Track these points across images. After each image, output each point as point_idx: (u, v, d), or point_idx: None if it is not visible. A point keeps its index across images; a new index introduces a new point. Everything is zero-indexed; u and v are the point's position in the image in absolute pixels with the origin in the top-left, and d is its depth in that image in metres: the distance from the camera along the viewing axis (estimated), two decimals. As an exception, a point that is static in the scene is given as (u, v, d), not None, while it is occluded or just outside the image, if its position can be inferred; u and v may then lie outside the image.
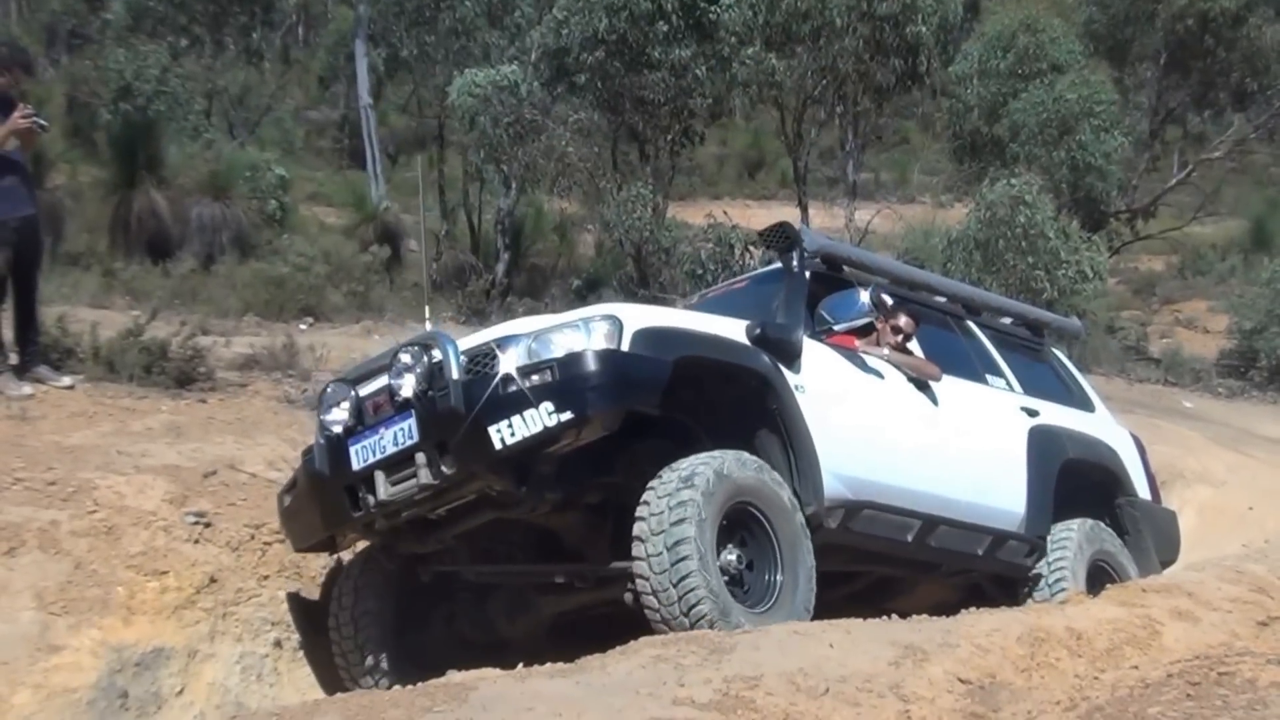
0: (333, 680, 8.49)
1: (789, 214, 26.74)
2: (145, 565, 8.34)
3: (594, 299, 21.65)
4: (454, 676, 6.60)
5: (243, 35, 31.65)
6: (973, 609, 7.88)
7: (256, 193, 23.08)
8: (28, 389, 10.53)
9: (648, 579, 7.22)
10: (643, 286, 20.93)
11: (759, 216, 28.96)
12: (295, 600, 8.92)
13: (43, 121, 10.96)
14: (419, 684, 6.46)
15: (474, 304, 21.26)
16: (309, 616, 8.86)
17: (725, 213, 21.58)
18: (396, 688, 6.59)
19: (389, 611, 8.46)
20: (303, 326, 17.04)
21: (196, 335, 12.15)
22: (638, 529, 7.30)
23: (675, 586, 7.14)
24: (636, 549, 7.28)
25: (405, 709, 5.75)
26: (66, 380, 10.91)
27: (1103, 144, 25.90)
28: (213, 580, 8.56)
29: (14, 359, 10.84)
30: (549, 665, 6.53)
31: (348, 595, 8.46)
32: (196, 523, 8.83)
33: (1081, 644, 7.08)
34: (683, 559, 7.13)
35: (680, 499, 7.23)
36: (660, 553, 7.17)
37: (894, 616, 7.63)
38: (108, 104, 26.39)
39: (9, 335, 10.89)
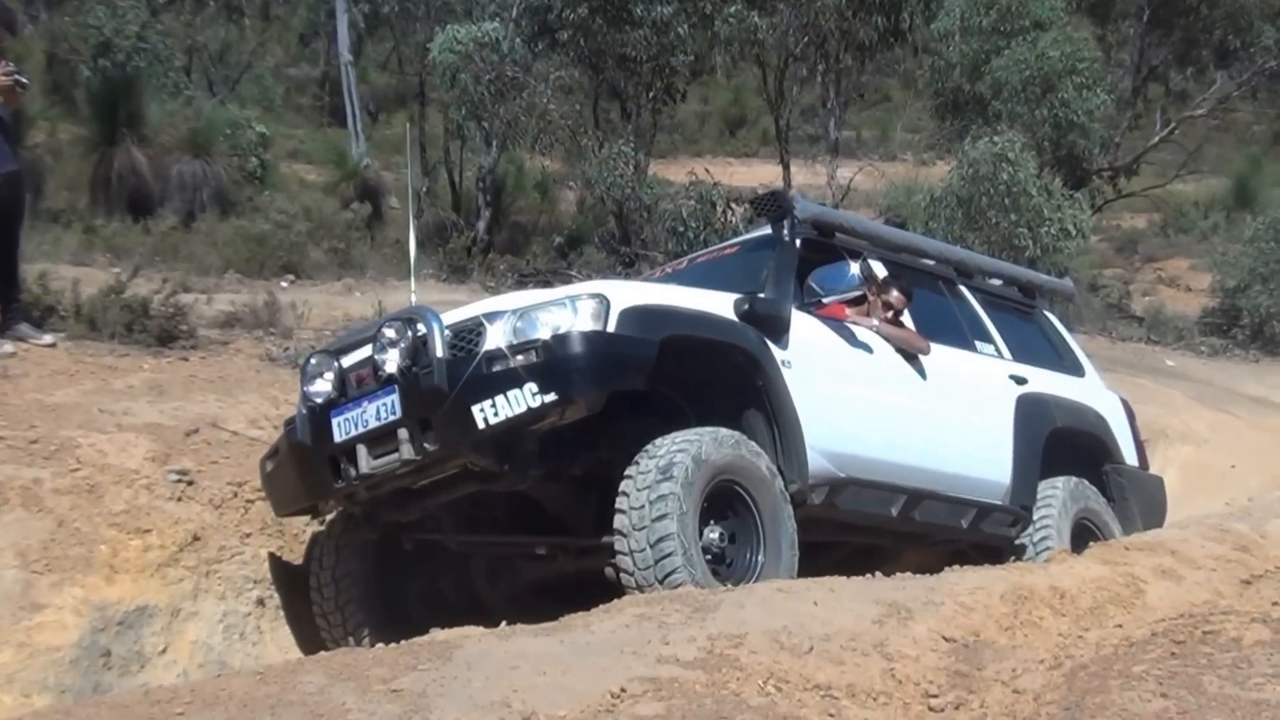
0: (314, 639, 8.48)
1: (771, 172, 26.81)
2: (128, 523, 8.32)
3: (575, 256, 21.67)
4: (438, 635, 6.59)
5: (222, -9, 31.52)
6: (956, 567, 7.90)
7: (237, 150, 23.03)
8: (9, 347, 10.48)
9: (629, 555, 7.22)
10: (624, 244, 20.92)
11: (741, 174, 29.01)
12: (276, 559, 8.91)
13: (24, 79, 10.88)
14: (402, 642, 6.43)
15: (455, 261, 21.21)
16: (290, 576, 8.86)
17: (707, 170, 21.55)
18: (379, 645, 6.54)
19: (370, 572, 8.47)
20: (284, 284, 17.01)
21: (178, 293, 12.12)
22: (620, 510, 7.29)
23: (656, 566, 7.14)
24: (619, 531, 7.28)
25: (389, 667, 5.74)
26: (48, 338, 10.86)
27: (1085, 101, 25.79)
28: (195, 538, 8.54)
29: (-5, 316, 10.79)
30: (533, 624, 6.52)
31: (329, 555, 8.46)
32: (179, 481, 8.80)
33: (1065, 602, 7.10)
34: (663, 535, 7.13)
35: (660, 492, 7.20)
36: (643, 536, 7.17)
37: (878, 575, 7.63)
38: (87, 61, 26.19)
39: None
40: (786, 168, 24.90)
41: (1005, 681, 6.05)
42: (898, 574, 7.61)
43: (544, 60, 22.51)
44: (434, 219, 24.31)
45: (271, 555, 8.88)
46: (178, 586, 8.34)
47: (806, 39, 23.87)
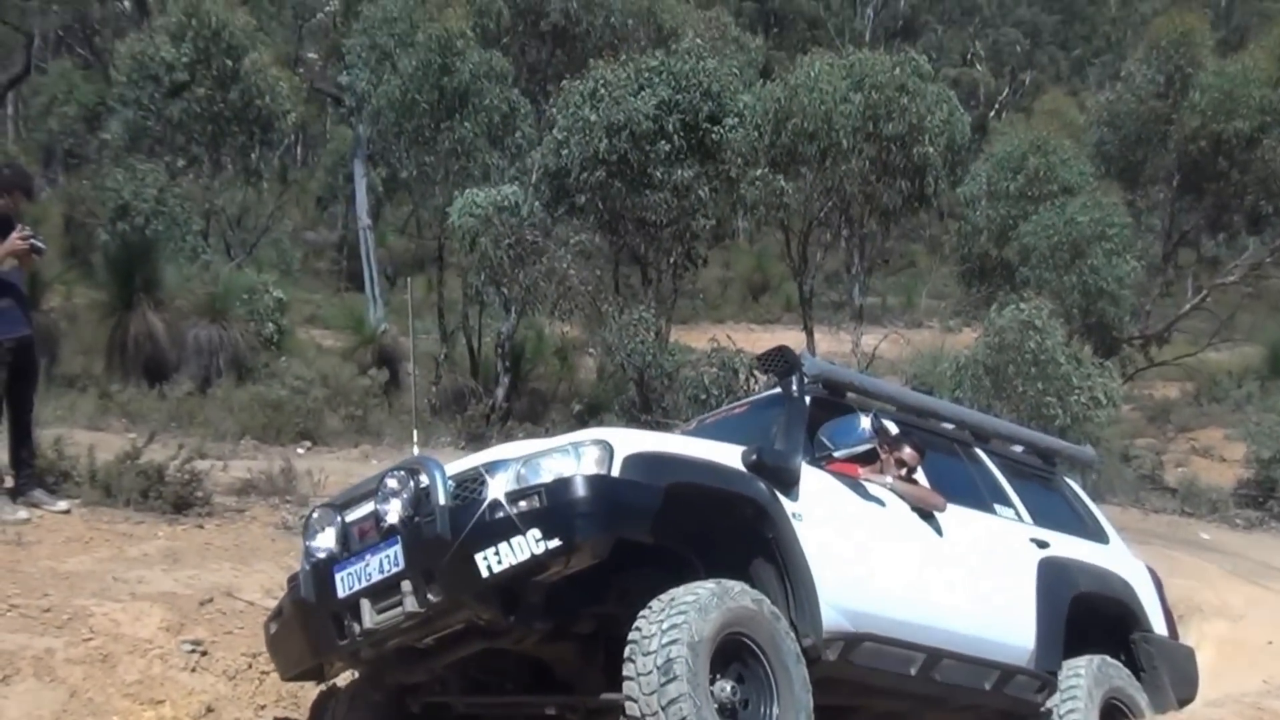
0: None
1: (794, 338, 26.92)
2: (141, 694, 8.37)
3: (596, 424, 21.73)
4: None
5: (241, 155, 31.96)
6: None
7: (254, 315, 23.29)
8: (23, 513, 10.59)
9: (639, 713, 7.11)
10: (645, 411, 21.02)
11: (763, 340, 29.12)
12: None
13: (40, 243, 11.03)
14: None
15: (473, 428, 21.35)
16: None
17: (729, 336, 21.73)
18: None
19: None
20: (300, 450, 17.14)
21: (193, 459, 12.21)
22: (628, 664, 7.21)
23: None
24: (628, 686, 7.19)
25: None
26: (62, 504, 10.98)
27: (1115, 268, 26.04)
28: (210, 710, 8.58)
29: (9, 482, 10.91)
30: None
31: (339, 712, 8.44)
32: (193, 651, 8.86)
33: (1099, 780, 7.07)
34: (675, 697, 7.03)
35: (670, 633, 7.15)
36: (653, 692, 7.07)
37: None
38: (105, 224, 26.65)
39: (3, 458, 10.96)
40: (810, 334, 25.10)
41: None
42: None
43: (563, 225, 22.85)
44: (452, 385, 24.51)
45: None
46: (191, 758, 8.38)
47: (831, 203, 24.22)
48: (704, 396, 19.70)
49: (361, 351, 25.50)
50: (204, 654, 8.90)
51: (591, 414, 23.12)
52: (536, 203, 22.41)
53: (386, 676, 8.15)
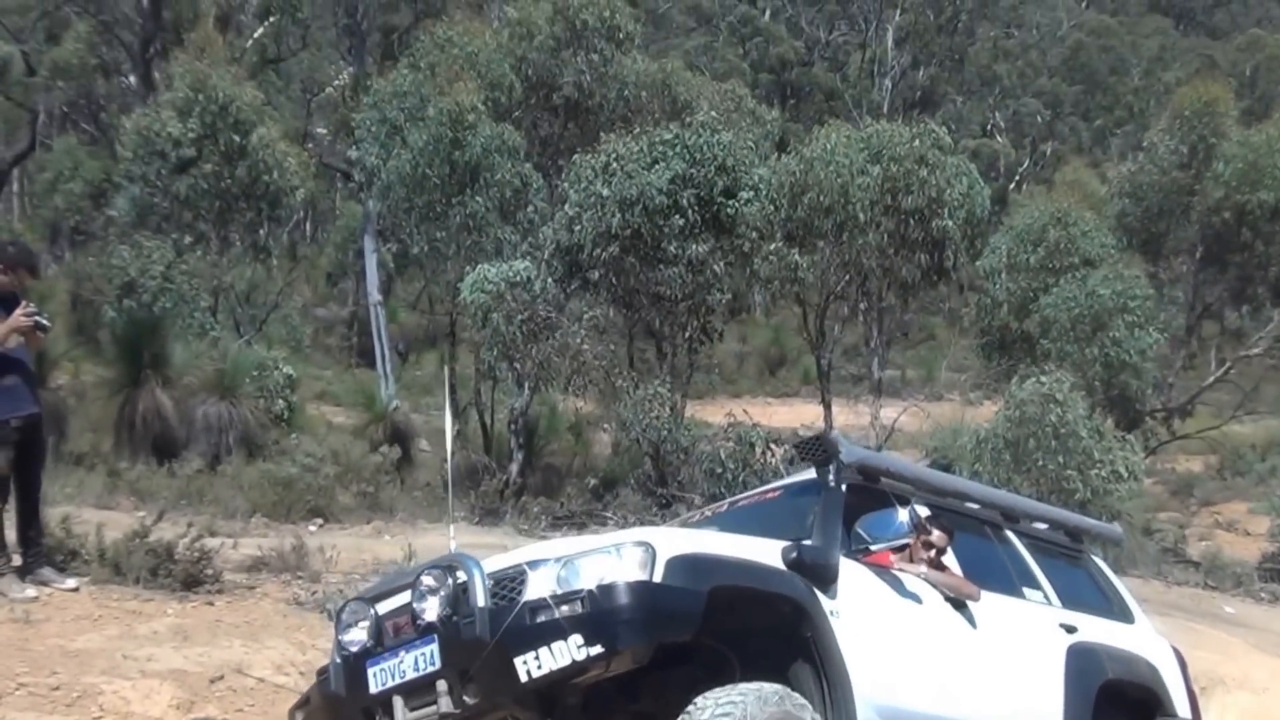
0: None
1: (812, 412, 27.04)
2: (152, 773, 8.42)
3: (610, 498, 21.83)
4: None
5: (249, 231, 32.16)
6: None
7: (264, 392, 23.37)
8: (31, 591, 10.68)
9: None
10: (661, 485, 21.09)
11: (781, 415, 29.34)
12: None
13: (45, 320, 11.13)
14: None
15: (487, 504, 21.39)
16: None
17: (746, 411, 21.82)
18: None
19: None
20: (312, 528, 17.21)
21: (203, 537, 12.28)
22: None
23: None
24: None
25: None
26: (71, 582, 11.07)
27: (1137, 340, 26.11)
28: (221, 789, 8.64)
29: (17, 560, 10.99)
30: None
31: None
32: (204, 729, 8.92)
33: None
34: None
35: None
36: None
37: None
38: (112, 301, 26.80)
39: (12, 536, 11.05)
40: (828, 408, 25.14)
41: None
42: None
43: (577, 299, 22.99)
44: (465, 461, 24.54)
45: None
46: (202, 840, 8.42)
47: (848, 277, 24.29)
48: (720, 471, 19.77)
49: (373, 428, 25.60)
50: (215, 732, 8.96)
51: (607, 488, 23.16)
52: (549, 278, 22.52)
53: None
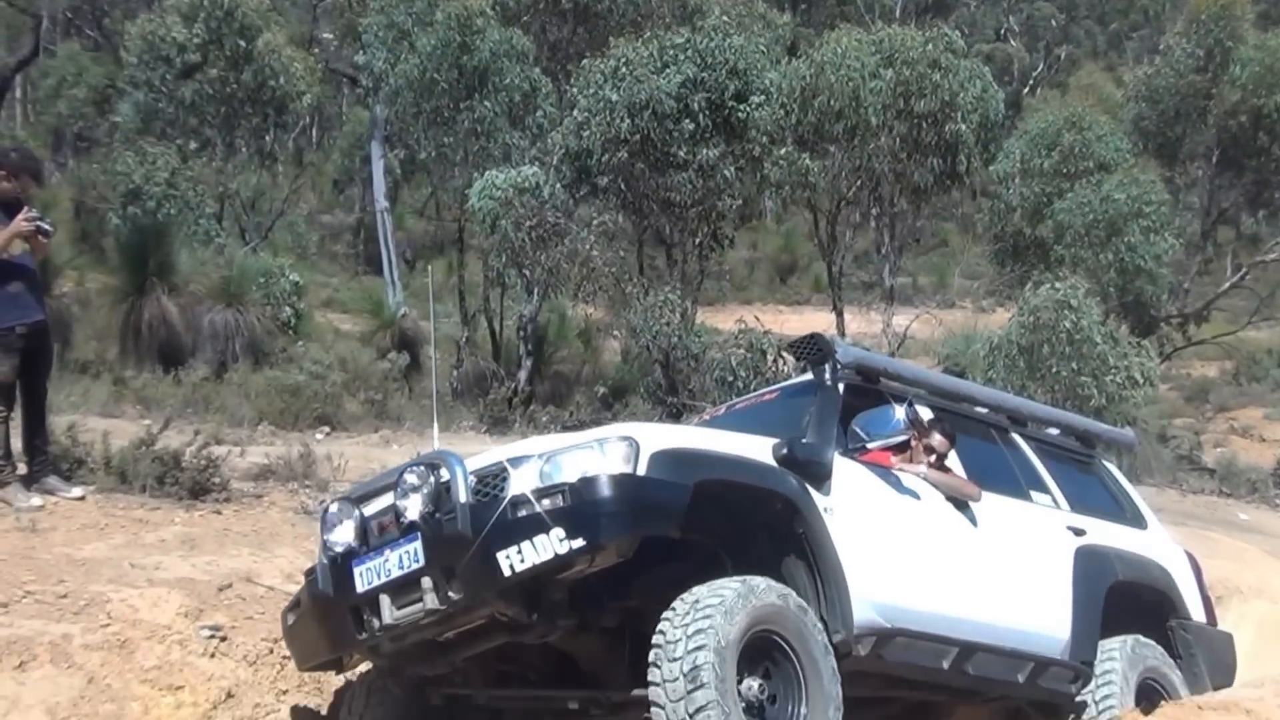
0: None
1: (823, 319, 26.97)
2: (160, 680, 8.41)
3: (620, 407, 21.78)
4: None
5: (255, 137, 32.02)
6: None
7: (270, 299, 23.35)
8: (37, 500, 10.64)
9: (664, 710, 7.12)
10: (671, 394, 21.03)
11: (791, 322, 29.24)
12: (307, 717, 8.94)
13: (47, 225, 11.01)
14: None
15: (496, 412, 21.38)
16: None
17: (757, 318, 21.70)
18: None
19: None
20: (319, 436, 17.19)
21: (210, 445, 12.23)
22: (654, 663, 7.22)
23: (692, 718, 7.05)
24: (653, 685, 7.20)
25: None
26: (77, 491, 11.04)
27: (1152, 246, 26.00)
28: (230, 695, 8.62)
29: (23, 469, 10.96)
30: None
31: (358, 703, 8.45)
32: (212, 636, 8.90)
33: (1136, 763, 7.07)
34: (702, 704, 7.04)
35: (696, 638, 7.15)
36: (678, 690, 7.08)
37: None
38: (116, 208, 26.73)
39: (18, 445, 11.02)
40: (840, 315, 25.07)
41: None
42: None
43: (586, 205, 22.87)
44: (474, 369, 24.57)
45: (307, 713, 8.93)
46: (211, 745, 8.42)
47: (860, 182, 24.16)
48: (731, 379, 19.67)
49: (380, 335, 25.60)
50: (223, 639, 8.94)
51: (616, 397, 23.15)
52: (558, 184, 22.40)
53: (406, 669, 8.19)
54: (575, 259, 21.72)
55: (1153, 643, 10.08)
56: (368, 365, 21.42)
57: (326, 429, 18.01)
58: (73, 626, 8.54)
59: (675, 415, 19.79)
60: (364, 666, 8.53)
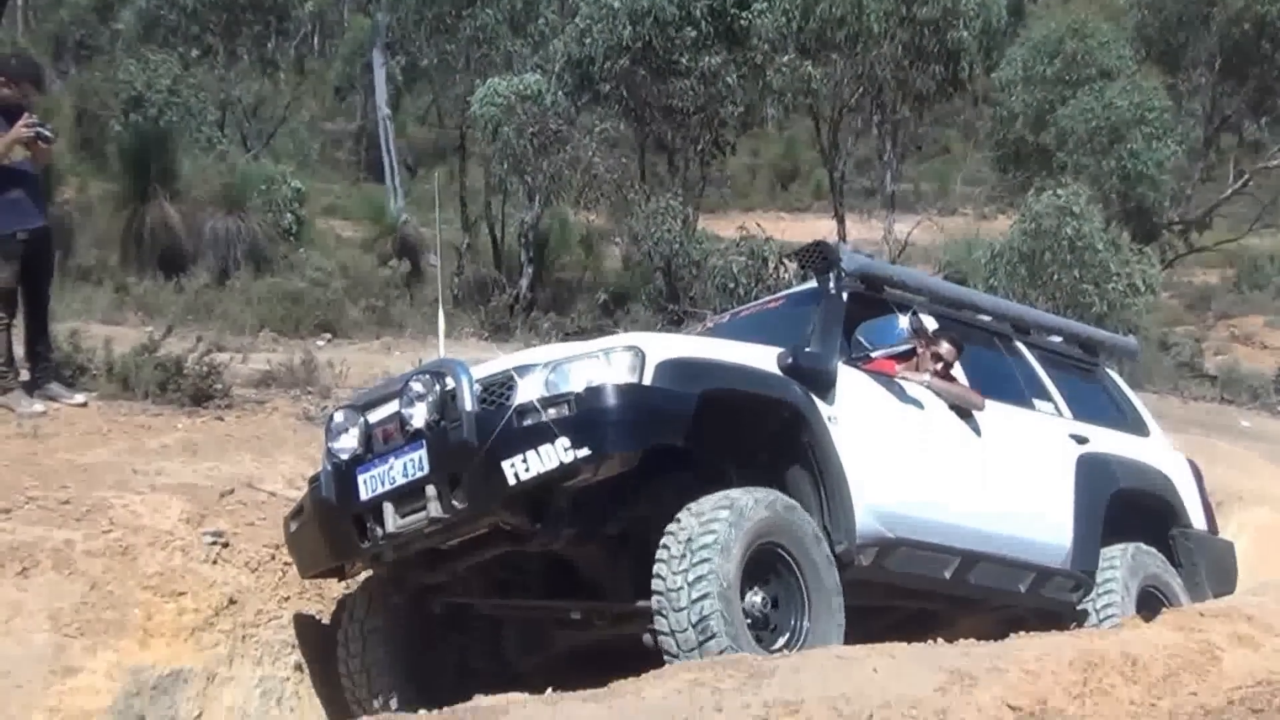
0: (343, 708, 8.46)
1: (825, 226, 26.86)
2: (162, 586, 8.36)
3: (621, 314, 21.72)
4: (482, 701, 6.57)
5: (257, 45, 31.83)
6: (1022, 633, 7.85)
7: (272, 206, 23.22)
8: (40, 406, 10.59)
9: (667, 619, 7.13)
10: (672, 301, 20.98)
11: (793, 229, 29.11)
12: (314, 624, 8.93)
13: (47, 132, 10.90)
14: (446, 709, 6.43)
15: (497, 319, 21.30)
16: (327, 641, 8.85)
17: (758, 225, 21.60)
18: (422, 712, 6.51)
19: (399, 633, 8.36)
20: (320, 342, 17.13)
21: (212, 351, 12.15)
22: (658, 574, 7.21)
23: (695, 629, 7.04)
24: (656, 597, 7.19)
25: (436, 733, 5.76)
26: (79, 397, 10.98)
27: (1155, 153, 25.86)
28: (232, 602, 8.58)
29: (25, 375, 10.91)
30: (581, 691, 6.51)
31: (359, 610, 8.41)
32: (214, 543, 8.85)
33: (1137, 670, 7.02)
34: (706, 614, 7.04)
35: (699, 556, 7.13)
36: (682, 602, 7.08)
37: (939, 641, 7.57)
38: (118, 115, 26.59)
39: (20, 351, 10.95)
40: (841, 221, 25.00)
41: (1074, 752, 6.02)
42: (960, 640, 7.56)
43: (588, 112, 22.72)
44: (475, 276, 24.46)
45: (309, 619, 8.92)
46: (213, 651, 8.36)
47: (862, 89, 24.05)
48: (732, 285, 19.64)
49: (382, 242, 25.49)
50: (225, 546, 8.88)
51: (617, 304, 23.09)
52: (560, 91, 22.24)
53: (408, 578, 8.14)
54: (577, 166, 21.63)
55: (1154, 550, 10.07)
56: (369, 272, 21.37)
57: (328, 336, 17.94)
58: (75, 532, 8.49)
59: (676, 322, 19.74)
60: (365, 575, 8.49)
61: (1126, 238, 22.67)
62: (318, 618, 8.96)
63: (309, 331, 17.82)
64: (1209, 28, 30.41)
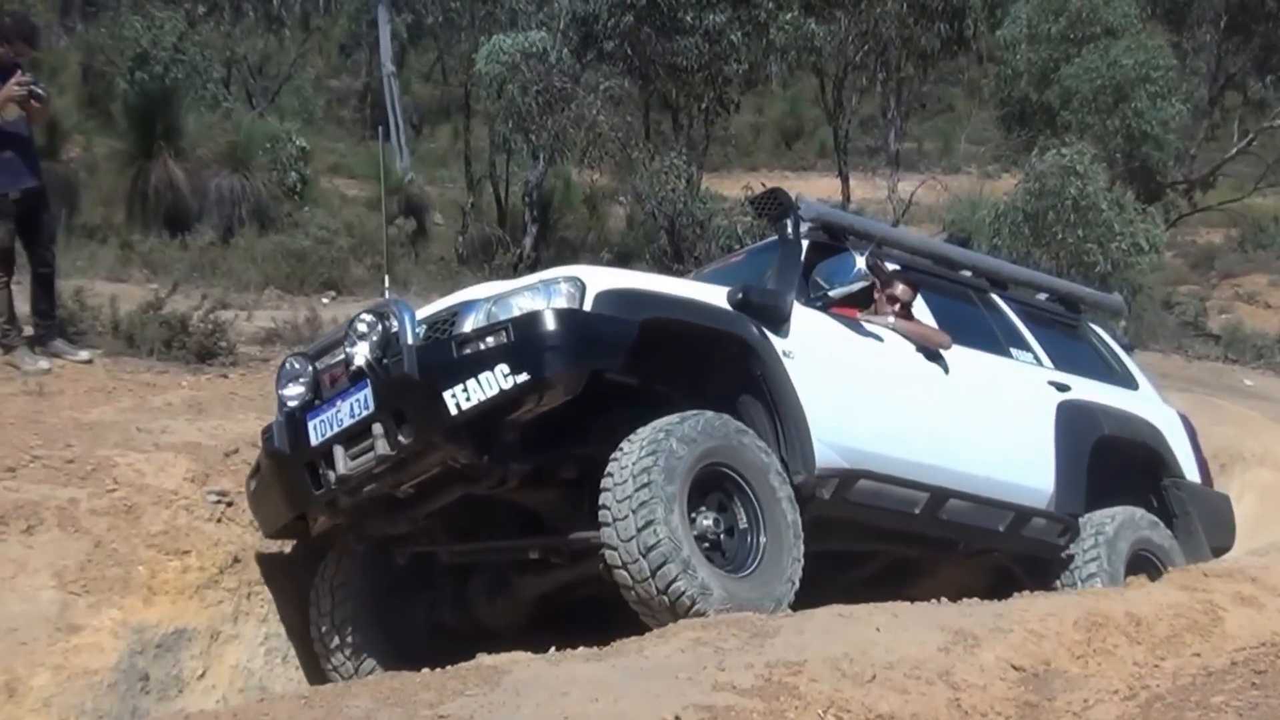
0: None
1: (829, 185, 26.80)
2: (167, 545, 8.38)
3: (626, 272, 21.65)
4: (485, 659, 6.60)
5: (262, 1, 31.67)
6: (1026, 593, 7.85)
7: (276, 164, 23.14)
8: (44, 363, 10.60)
9: (616, 550, 7.14)
10: (676, 260, 20.91)
11: (798, 187, 28.79)
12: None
13: (40, 90, 10.87)
14: (449, 667, 6.44)
15: (501, 278, 21.17)
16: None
17: (763, 184, 21.50)
18: (425, 670, 6.52)
19: (368, 591, 8.42)
20: (325, 300, 17.12)
21: (217, 309, 12.21)
22: (603, 505, 7.22)
23: (646, 558, 7.06)
24: (604, 529, 7.20)
25: (436, 692, 5.76)
26: (84, 354, 10.98)
27: (1159, 111, 25.69)
28: (236, 560, 8.60)
29: (29, 331, 10.90)
30: (583, 649, 6.52)
31: (329, 567, 8.45)
32: (219, 501, 8.86)
33: (1141, 630, 7.04)
34: (651, 533, 7.05)
35: (644, 465, 7.15)
36: (629, 528, 7.09)
37: (944, 600, 7.57)
38: (124, 73, 26.45)
39: (24, 309, 10.95)
40: (845, 180, 24.93)
41: (1077, 713, 6.02)
42: (963, 600, 7.56)
43: (592, 70, 22.58)
44: (479, 234, 24.41)
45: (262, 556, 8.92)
46: (217, 609, 8.40)
47: (866, 47, 23.95)
48: (736, 245, 19.55)
49: (386, 200, 25.38)
50: (229, 505, 8.89)
51: (621, 263, 22.92)
52: (564, 48, 22.10)
53: (368, 528, 8.12)
54: (581, 124, 21.49)
55: (1145, 512, 10.04)
56: (374, 230, 21.28)
57: (333, 293, 17.91)
58: (80, 491, 8.50)
59: (679, 281, 19.67)
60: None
61: (1130, 197, 22.56)
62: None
63: (313, 289, 17.80)
64: (1214, -16, 30.29)
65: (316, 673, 8.51)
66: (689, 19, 21.72)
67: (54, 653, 7.58)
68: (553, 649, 6.71)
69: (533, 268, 22.27)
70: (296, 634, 8.69)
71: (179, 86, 25.01)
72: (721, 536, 7.55)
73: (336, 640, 8.35)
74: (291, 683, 8.43)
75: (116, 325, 11.59)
